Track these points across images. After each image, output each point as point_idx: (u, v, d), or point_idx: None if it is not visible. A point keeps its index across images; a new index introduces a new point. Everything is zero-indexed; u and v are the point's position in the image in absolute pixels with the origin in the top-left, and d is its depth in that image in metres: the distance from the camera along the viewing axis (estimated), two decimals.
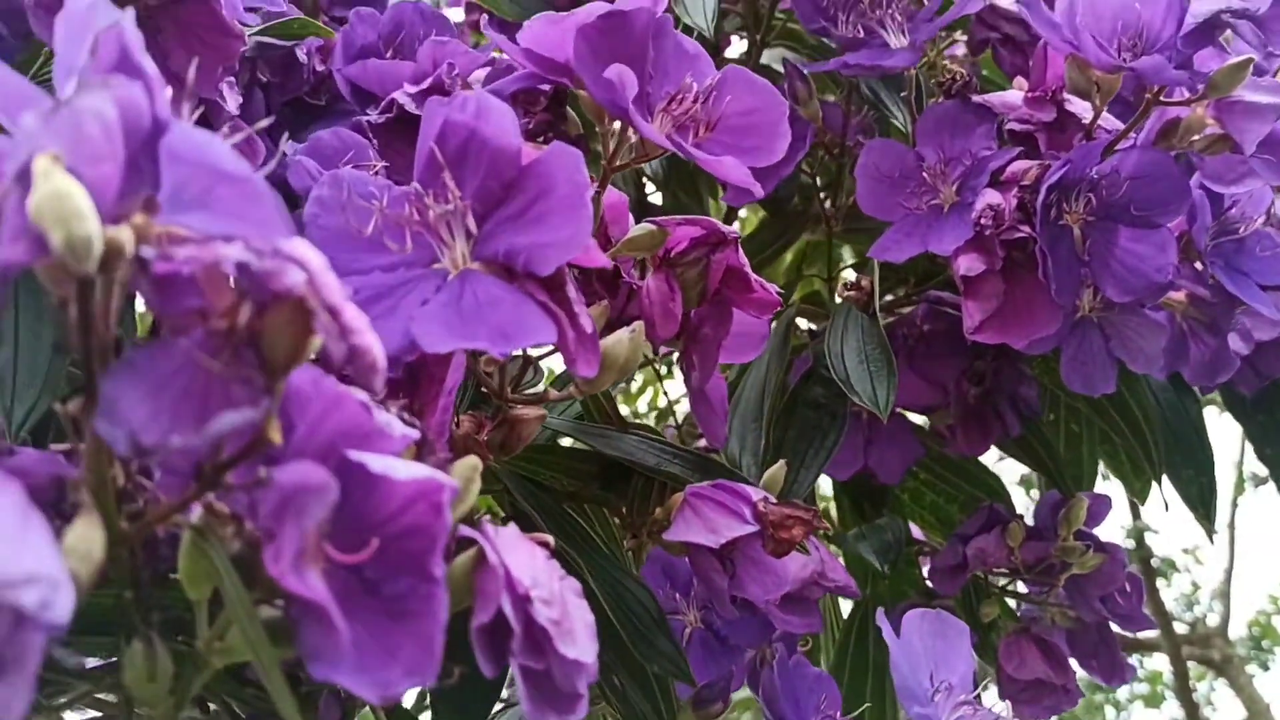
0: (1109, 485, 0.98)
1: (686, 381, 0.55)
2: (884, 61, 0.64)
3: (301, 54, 0.62)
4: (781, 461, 0.63)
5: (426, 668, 0.29)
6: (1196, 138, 0.61)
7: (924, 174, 0.65)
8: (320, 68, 0.66)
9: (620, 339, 0.45)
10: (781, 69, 0.93)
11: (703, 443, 0.79)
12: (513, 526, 0.35)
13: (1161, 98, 0.60)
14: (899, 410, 0.80)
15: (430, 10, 0.67)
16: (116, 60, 0.28)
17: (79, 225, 0.24)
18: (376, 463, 0.30)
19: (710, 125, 0.48)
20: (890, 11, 0.68)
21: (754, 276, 0.53)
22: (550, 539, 0.37)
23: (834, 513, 0.92)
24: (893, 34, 0.67)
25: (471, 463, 0.36)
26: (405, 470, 0.30)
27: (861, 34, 0.68)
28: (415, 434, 0.32)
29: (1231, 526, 3.64)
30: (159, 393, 0.26)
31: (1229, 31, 0.58)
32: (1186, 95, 0.60)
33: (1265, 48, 0.56)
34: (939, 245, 0.62)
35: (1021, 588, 0.82)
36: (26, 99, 0.30)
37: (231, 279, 0.27)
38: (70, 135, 0.25)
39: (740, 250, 0.52)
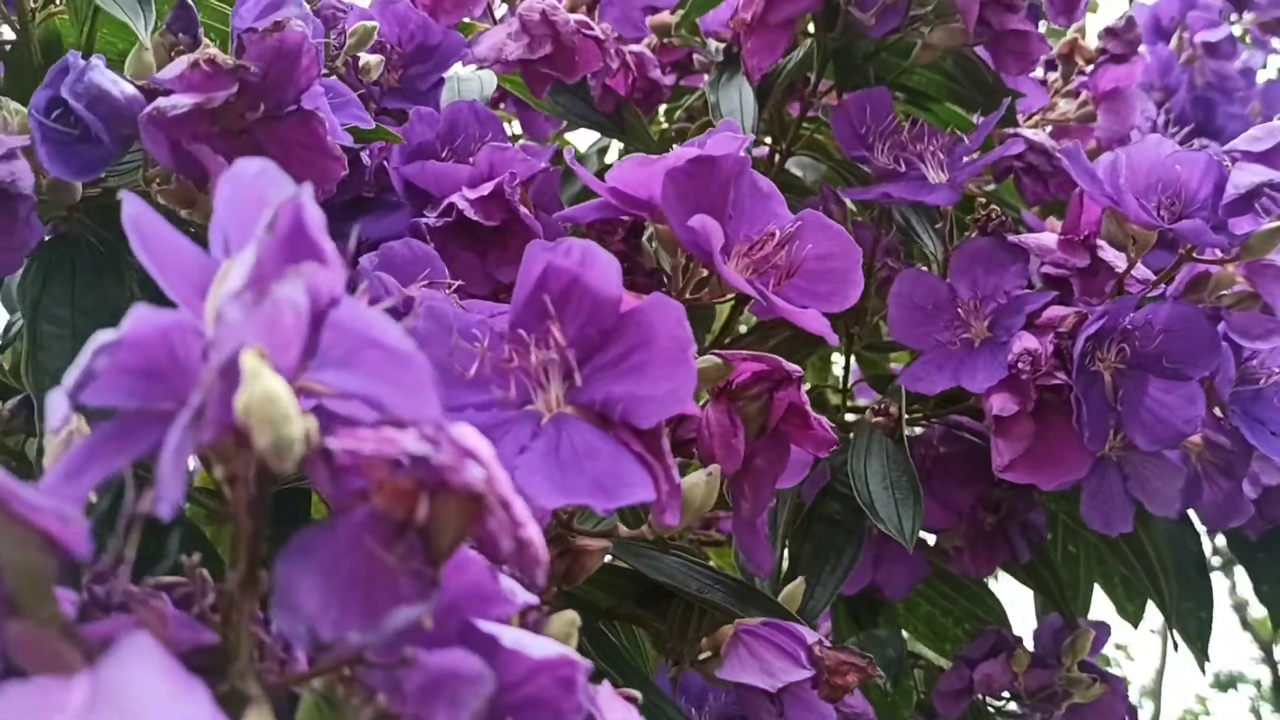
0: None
1: (736, 511, 0.56)
2: (925, 197, 0.66)
3: (366, 156, 0.63)
4: (800, 579, 0.64)
5: None
6: (1225, 293, 0.63)
7: (957, 308, 0.67)
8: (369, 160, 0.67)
9: (697, 482, 0.46)
10: (802, 175, 0.95)
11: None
12: (606, 684, 0.36)
13: (1194, 254, 0.62)
14: None
15: (485, 112, 0.68)
16: (290, 233, 0.28)
17: (287, 429, 0.24)
18: (509, 636, 0.30)
19: (790, 272, 0.49)
20: (930, 147, 0.70)
21: (813, 415, 0.54)
22: (634, 693, 0.37)
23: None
24: (931, 169, 0.69)
25: (569, 618, 0.36)
26: (539, 648, 0.30)
27: (900, 166, 0.70)
28: (535, 600, 0.32)
29: (1166, 627, 3.67)
30: (329, 579, 0.26)
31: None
32: (1218, 253, 0.62)
33: None
34: (971, 382, 0.64)
35: (1013, 707, 0.83)
36: (200, 268, 0.30)
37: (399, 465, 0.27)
38: (269, 327, 0.25)
39: (802, 388, 0.53)
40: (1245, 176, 0.56)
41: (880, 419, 0.71)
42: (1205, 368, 0.61)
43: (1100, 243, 0.65)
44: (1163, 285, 0.64)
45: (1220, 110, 1.22)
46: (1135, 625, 0.90)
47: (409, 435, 0.27)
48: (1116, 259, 0.64)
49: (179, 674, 0.23)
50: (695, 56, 0.96)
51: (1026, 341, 0.61)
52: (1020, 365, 0.61)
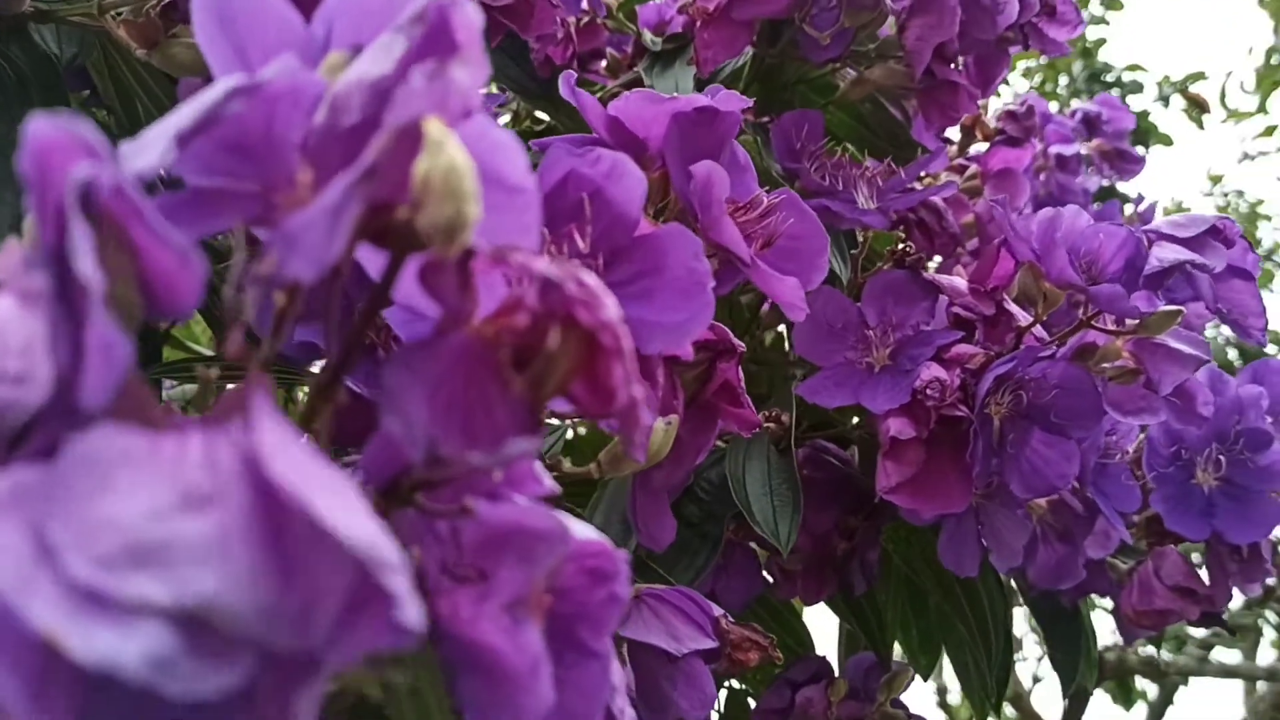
0: None
1: (645, 479, 0.54)
2: (862, 217, 0.67)
3: None
4: None
5: None
6: (1108, 365, 0.67)
7: (865, 332, 0.68)
8: None
9: (658, 428, 0.44)
10: None
11: None
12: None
13: (1093, 322, 0.66)
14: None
15: None
16: (437, 30, 0.26)
17: (468, 206, 0.22)
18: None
19: (769, 243, 0.49)
20: (862, 174, 0.71)
21: (744, 394, 0.53)
22: None
23: None
24: (861, 195, 0.70)
25: None
26: (580, 530, 0.28)
27: (833, 184, 0.71)
28: (553, 487, 0.30)
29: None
30: (434, 396, 0.24)
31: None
32: (1111, 324, 0.66)
33: (1214, 303, 0.62)
34: (872, 402, 0.65)
35: None
36: (292, 43, 0.27)
37: (527, 294, 0.25)
38: (440, 104, 0.23)
39: (739, 365, 0.53)
40: (1170, 253, 0.59)
41: (772, 425, 0.72)
42: (1088, 430, 0.65)
43: (1005, 295, 0.68)
44: (1055, 346, 0.67)
45: None
46: (925, 679, 0.93)
47: (540, 261, 0.24)
48: (1020, 313, 0.67)
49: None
50: (609, 50, 0.95)
51: (936, 371, 0.63)
52: (929, 392, 0.62)
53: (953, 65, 0.74)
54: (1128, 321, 0.64)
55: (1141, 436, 0.76)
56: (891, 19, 0.74)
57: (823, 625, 0.99)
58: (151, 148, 0.23)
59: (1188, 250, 0.60)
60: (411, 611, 0.18)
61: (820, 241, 0.51)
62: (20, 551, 0.17)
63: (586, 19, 0.87)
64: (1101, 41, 2.79)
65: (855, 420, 0.78)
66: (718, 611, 0.50)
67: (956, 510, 0.64)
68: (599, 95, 0.91)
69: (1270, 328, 0.70)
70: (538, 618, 0.25)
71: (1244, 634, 2.30)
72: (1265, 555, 0.80)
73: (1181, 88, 2.88)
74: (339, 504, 0.18)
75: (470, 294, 0.24)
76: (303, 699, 0.19)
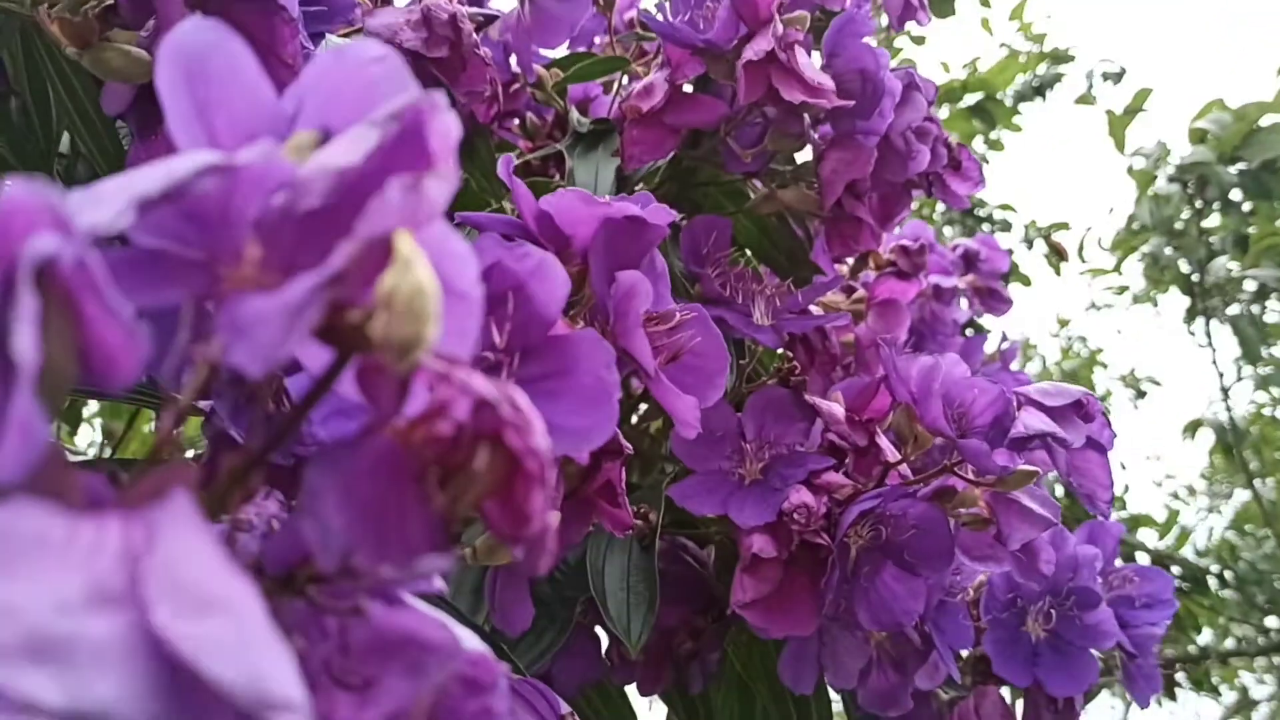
0: None
1: (514, 564, 0.54)
2: (755, 334, 0.69)
3: None
4: None
5: None
6: (964, 511, 0.70)
7: (741, 443, 0.69)
8: None
9: None
10: None
11: None
12: None
13: (955, 469, 0.68)
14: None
15: None
16: (410, 132, 0.26)
17: (427, 330, 0.22)
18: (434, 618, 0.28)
19: (674, 357, 0.50)
20: (760, 289, 0.73)
21: (623, 494, 0.54)
22: None
23: None
24: (757, 310, 0.72)
25: None
26: (467, 639, 0.28)
27: (731, 296, 0.73)
28: (442, 588, 0.31)
29: None
30: (351, 500, 0.24)
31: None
32: (973, 473, 0.69)
33: (1068, 475, 0.65)
34: (739, 516, 0.66)
35: None
36: (261, 118, 0.27)
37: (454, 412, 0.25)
38: (409, 218, 0.23)
39: (624, 467, 0.53)
40: (1036, 422, 0.63)
41: (639, 521, 0.72)
42: (938, 571, 0.67)
43: (878, 430, 0.71)
44: (919, 486, 0.69)
45: (927, 346, 1.35)
46: None
47: (481, 381, 0.25)
48: (890, 449, 0.70)
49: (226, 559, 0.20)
50: (529, 115, 0.97)
51: (805, 496, 0.65)
52: (796, 515, 0.64)
53: (861, 201, 0.77)
54: (987, 476, 0.67)
55: (982, 579, 0.79)
56: (810, 146, 0.77)
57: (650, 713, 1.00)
58: (107, 205, 0.23)
59: (1052, 421, 0.63)
60: None
61: (721, 362, 0.53)
62: None
63: (515, 86, 0.88)
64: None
65: (716, 524, 0.79)
66: (565, 709, 0.50)
67: (804, 633, 0.66)
68: (519, 167, 0.91)
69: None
70: None
71: None
72: (1078, 710, 0.84)
73: (1046, 234, 3.04)
74: (229, 641, 0.18)
75: (404, 401, 0.24)
76: None
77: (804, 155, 0.82)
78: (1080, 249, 3.11)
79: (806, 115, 0.70)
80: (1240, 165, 2.07)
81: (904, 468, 0.70)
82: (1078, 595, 0.79)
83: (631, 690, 0.91)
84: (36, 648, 0.17)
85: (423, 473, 0.25)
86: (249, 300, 0.23)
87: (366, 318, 0.24)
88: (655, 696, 0.89)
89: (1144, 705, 0.84)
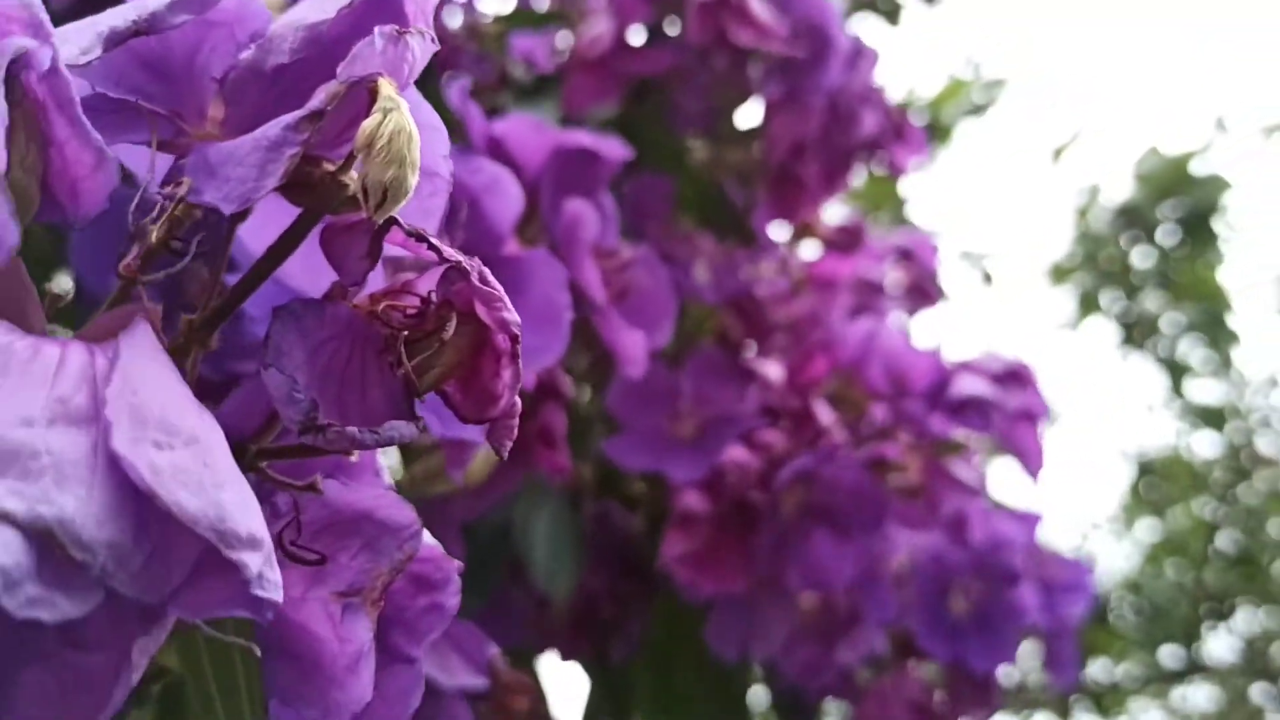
0: None
1: (444, 507, 0.53)
2: (698, 290, 0.69)
3: None
4: None
5: None
6: (897, 477, 0.70)
7: (678, 401, 0.69)
8: None
9: (478, 456, 0.43)
10: None
11: None
12: None
13: (889, 435, 0.69)
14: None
15: None
16: None
17: (409, 175, 0.21)
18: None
19: (622, 294, 0.49)
20: (700, 249, 0.73)
21: (562, 439, 0.53)
22: None
23: None
24: (699, 269, 0.72)
25: None
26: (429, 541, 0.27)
27: (670, 251, 0.72)
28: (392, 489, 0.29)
29: None
30: (313, 359, 0.23)
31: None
32: (908, 441, 0.69)
33: (999, 443, 0.66)
34: (673, 471, 0.66)
35: None
36: None
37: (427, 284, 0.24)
38: (394, 67, 0.22)
39: (565, 412, 0.52)
40: (974, 386, 0.63)
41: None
42: (868, 535, 0.67)
43: (815, 394, 0.70)
44: (854, 450, 0.69)
45: None
46: None
47: (448, 246, 0.24)
48: (826, 413, 0.69)
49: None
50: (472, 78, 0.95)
51: (741, 454, 0.64)
52: (730, 472, 0.63)
53: (805, 162, 0.77)
54: (922, 441, 0.68)
55: (907, 556, 0.79)
56: (759, 112, 0.77)
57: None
58: (73, 42, 0.21)
59: (989, 385, 0.63)
60: (264, 586, 0.17)
61: (669, 305, 0.52)
62: None
63: (456, 42, 0.87)
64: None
65: (645, 488, 0.79)
66: (493, 649, 0.49)
67: (734, 590, 0.65)
68: None
69: None
70: (372, 613, 0.24)
71: None
72: (995, 689, 0.85)
73: (977, 259, 3.09)
74: (191, 475, 0.17)
75: (372, 264, 0.23)
76: (138, 647, 0.17)
77: (750, 123, 0.81)
78: (1012, 277, 3.16)
79: (755, 68, 0.69)
80: (1171, 206, 2.13)
81: (840, 432, 0.70)
82: (1002, 573, 0.80)
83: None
84: (1, 457, 0.16)
85: (386, 345, 0.24)
86: (219, 144, 0.22)
87: (342, 168, 0.22)
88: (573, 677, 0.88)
89: (1066, 687, 0.85)
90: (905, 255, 1.41)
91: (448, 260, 0.23)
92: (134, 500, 0.17)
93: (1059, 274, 2.45)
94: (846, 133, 0.74)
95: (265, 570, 0.17)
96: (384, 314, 0.24)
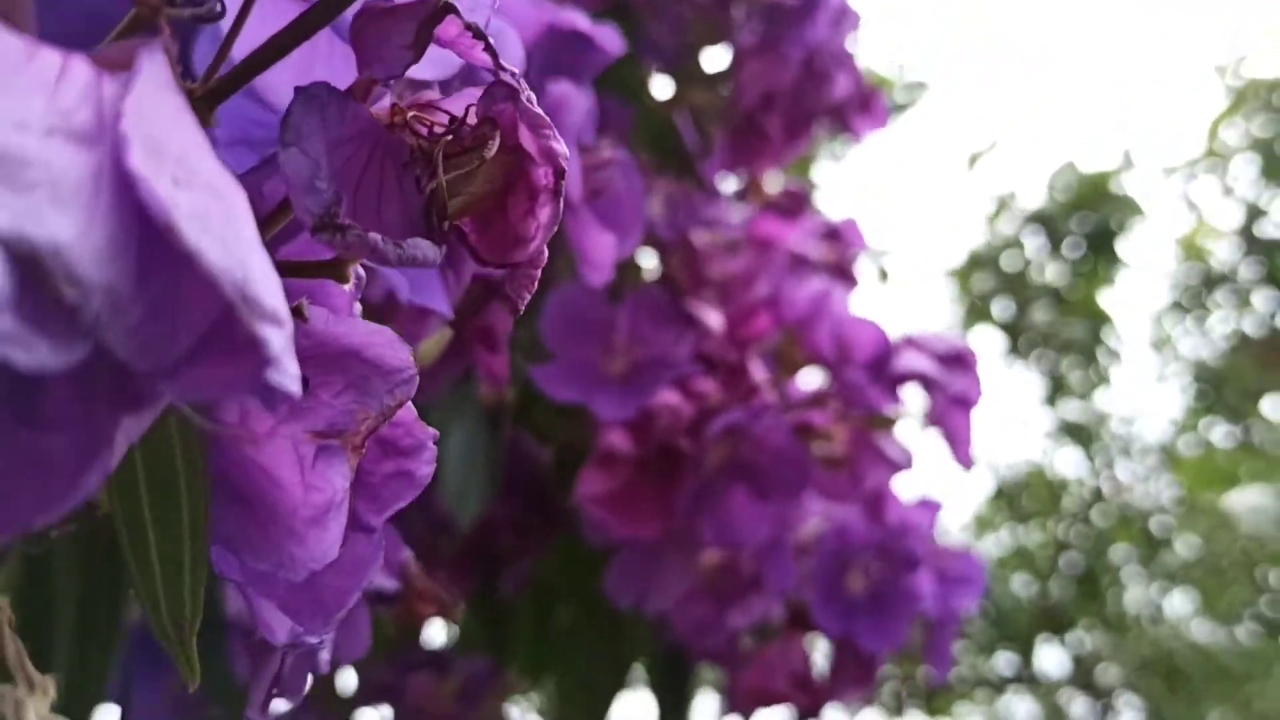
0: None
1: None
2: (653, 225, 0.66)
3: None
4: None
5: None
6: (822, 445, 0.68)
7: (612, 336, 0.66)
8: None
9: (435, 338, 0.40)
10: None
11: None
12: None
13: (820, 401, 0.67)
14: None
15: None
16: None
17: None
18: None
19: (596, 194, 0.46)
20: (655, 184, 0.70)
21: (503, 346, 0.50)
22: None
23: None
24: (653, 204, 0.69)
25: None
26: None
27: None
28: None
29: None
30: (331, 154, 0.19)
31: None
32: (838, 411, 0.67)
33: (933, 423, 0.65)
34: (601, 408, 0.63)
35: None
36: None
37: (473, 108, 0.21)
38: None
39: (511, 321, 0.49)
40: (917, 362, 0.61)
41: (495, 398, 0.68)
42: (788, 499, 0.65)
43: (753, 349, 0.68)
44: (784, 412, 0.67)
45: None
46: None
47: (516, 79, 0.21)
48: (760, 371, 0.68)
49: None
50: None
51: (673, 399, 0.62)
52: (661, 415, 0.61)
53: (771, 114, 0.75)
54: (853, 412, 0.66)
55: (813, 528, 0.78)
56: (730, 56, 0.74)
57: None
58: None
59: (933, 364, 0.62)
60: (283, 371, 0.14)
61: (638, 213, 0.49)
62: None
63: None
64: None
65: (562, 422, 0.76)
66: (407, 554, 0.46)
67: (646, 535, 0.63)
68: None
69: None
70: (352, 460, 0.21)
71: None
72: (876, 670, 0.84)
73: (877, 255, 3.11)
74: (214, 222, 0.14)
75: (417, 57, 0.20)
76: (123, 427, 0.14)
77: (716, 67, 0.79)
78: (904, 275, 3.19)
79: (739, 9, 0.67)
80: (1079, 221, 2.16)
81: (770, 392, 0.68)
82: (902, 556, 0.79)
83: None
84: None
85: (411, 158, 0.21)
86: None
87: None
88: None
89: (941, 677, 0.85)
90: (833, 234, 1.40)
91: (502, 68, 0.20)
92: (142, 243, 0.13)
93: (959, 274, 2.48)
94: (818, 91, 0.72)
95: (286, 355, 0.14)
96: (412, 123, 0.21)
